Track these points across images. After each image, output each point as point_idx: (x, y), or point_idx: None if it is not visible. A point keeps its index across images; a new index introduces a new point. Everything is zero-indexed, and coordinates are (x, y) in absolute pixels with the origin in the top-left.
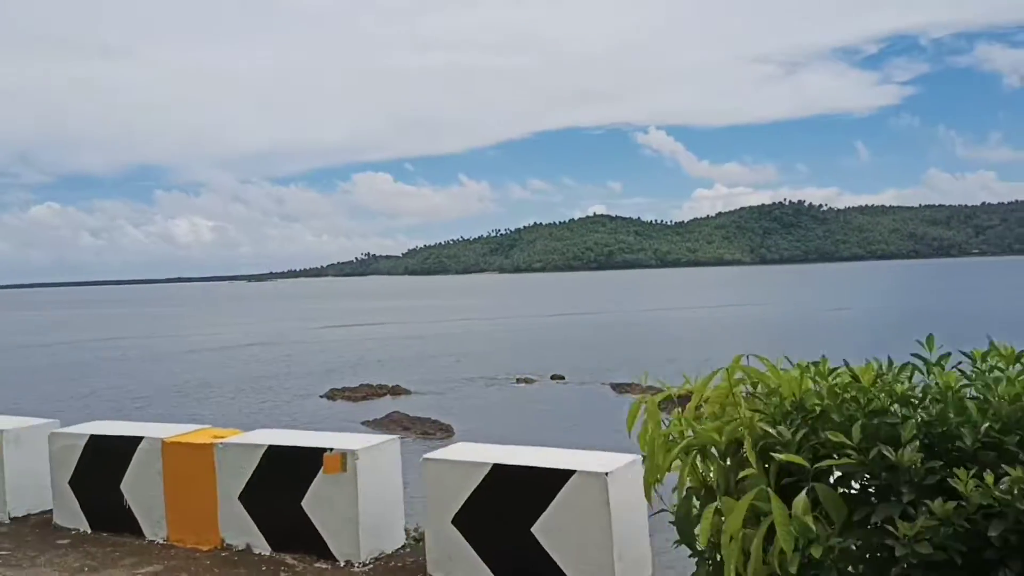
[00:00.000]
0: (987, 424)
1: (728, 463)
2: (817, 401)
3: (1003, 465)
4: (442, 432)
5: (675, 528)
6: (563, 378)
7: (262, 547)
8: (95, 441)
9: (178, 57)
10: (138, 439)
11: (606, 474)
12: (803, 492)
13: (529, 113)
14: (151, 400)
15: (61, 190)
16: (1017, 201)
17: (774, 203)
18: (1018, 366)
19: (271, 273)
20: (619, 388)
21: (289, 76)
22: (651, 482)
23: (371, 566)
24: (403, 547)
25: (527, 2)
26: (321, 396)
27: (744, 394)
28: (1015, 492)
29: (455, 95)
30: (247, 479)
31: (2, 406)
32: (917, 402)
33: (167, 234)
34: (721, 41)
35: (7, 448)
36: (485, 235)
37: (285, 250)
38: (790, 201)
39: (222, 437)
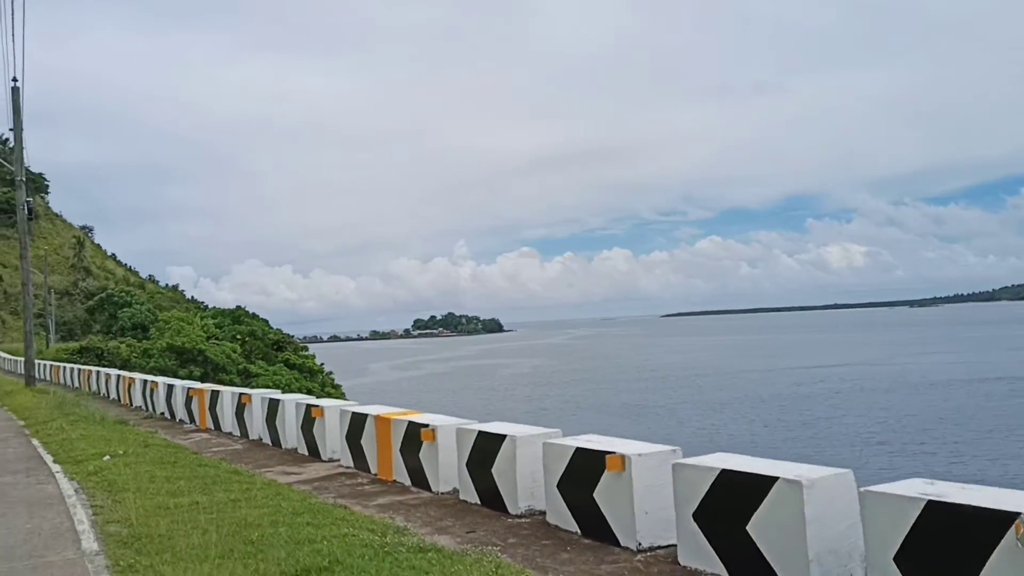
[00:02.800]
0: None
1: None
2: None
3: None
4: None
5: None
6: None
7: None
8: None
9: (827, 86)
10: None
11: None
12: None
13: None
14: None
15: (721, 224)
16: None
17: None
18: None
19: (935, 298)
20: None
21: (943, 90)
22: None
23: None
24: None
25: None
26: None
27: None
28: None
29: None
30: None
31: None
32: None
33: (820, 261)
34: None
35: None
36: None
37: (944, 273)
38: None
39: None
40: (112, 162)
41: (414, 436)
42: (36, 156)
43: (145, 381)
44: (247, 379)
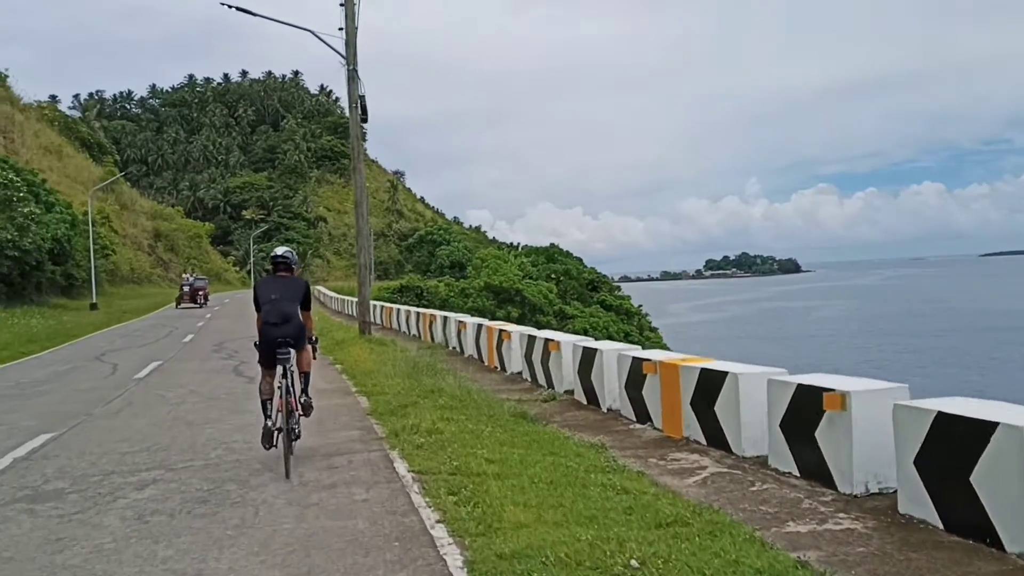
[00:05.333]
0: None
1: None
2: None
3: None
4: None
5: None
6: None
7: None
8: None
9: None
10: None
11: None
12: None
13: None
14: None
15: None
16: None
17: None
18: None
19: None
20: None
21: None
22: None
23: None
24: None
25: None
26: None
27: None
28: None
29: None
30: None
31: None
32: None
33: None
34: None
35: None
36: None
37: None
38: None
39: None
40: (416, 112)
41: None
42: None
43: (532, 338)
44: (563, 321)
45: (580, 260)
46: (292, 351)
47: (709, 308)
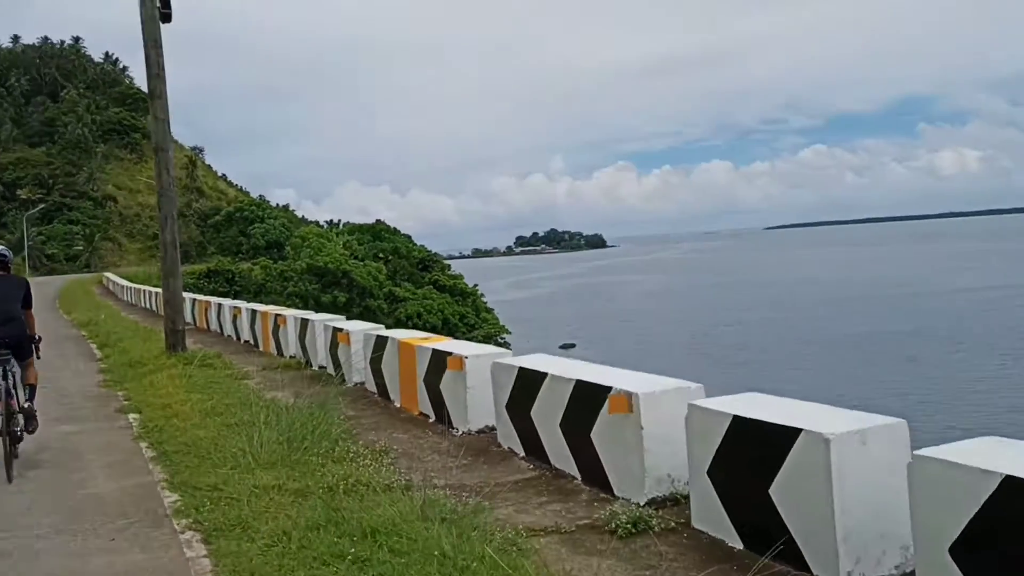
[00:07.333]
0: None
1: None
2: None
3: None
4: None
5: None
6: None
7: None
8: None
9: None
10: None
11: None
12: None
13: None
14: None
15: (826, 132)
16: None
17: None
18: None
19: None
20: None
21: None
22: None
23: None
24: None
25: None
26: None
27: None
28: None
29: None
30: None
31: None
32: None
33: (932, 168)
34: None
35: None
36: None
37: None
38: None
39: None
40: (216, 87)
41: None
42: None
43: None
44: (394, 304)
45: (409, 238)
46: (11, 352)
47: (526, 285)
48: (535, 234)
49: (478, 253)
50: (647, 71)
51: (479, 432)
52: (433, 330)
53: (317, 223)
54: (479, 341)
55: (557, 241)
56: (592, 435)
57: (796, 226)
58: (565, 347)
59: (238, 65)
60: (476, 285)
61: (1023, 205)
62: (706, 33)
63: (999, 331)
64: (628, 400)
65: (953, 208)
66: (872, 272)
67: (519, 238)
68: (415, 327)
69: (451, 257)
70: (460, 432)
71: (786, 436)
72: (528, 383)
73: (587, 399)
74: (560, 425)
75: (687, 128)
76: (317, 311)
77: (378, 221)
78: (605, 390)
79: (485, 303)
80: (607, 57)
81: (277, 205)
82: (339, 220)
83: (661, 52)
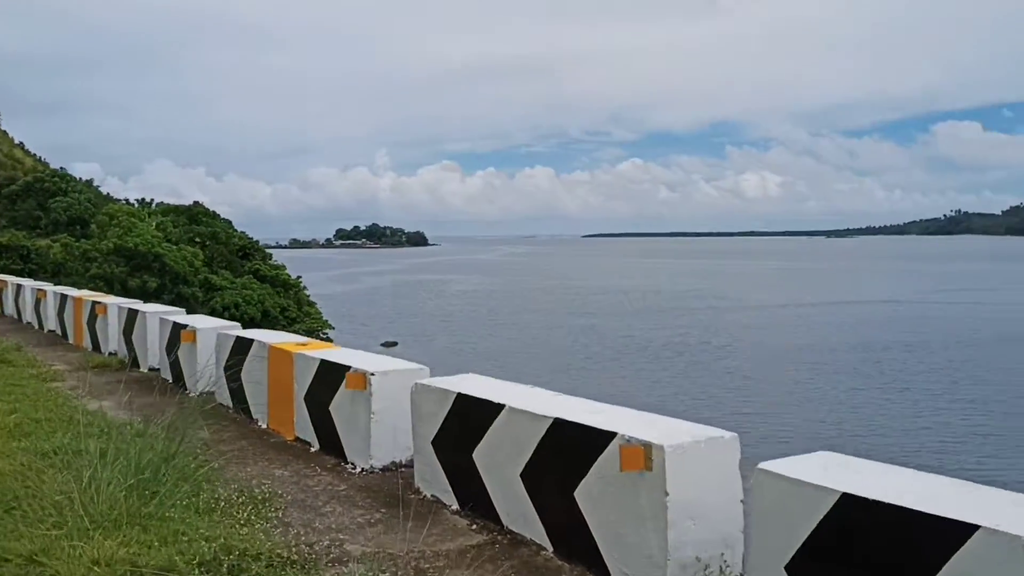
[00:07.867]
0: None
1: None
2: None
3: None
4: None
5: None
6: None
7: None
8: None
9: (770, 10)
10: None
11: None
12: None
13: None
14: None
15: (644, 147)
16: None
17: None
18: None
19: (848, 230)
20: None
21: (867, 21)
22: None
23: None
24: None
25: None
26: None
27: None
28: None
29: None
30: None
31: None
32: None
33: (737, 189)
34: None
35: None
36: None
37: (854, 206)
38: None
39: None
40: (16, 50)
41: None
42: None
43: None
44: (209, 292)
45: (229, 223)
46: None
47: (346, 279)
48: (356, 227)
49: (296, 244)
50: (476, 73)
51: (384, 470)
52: (252, 322)
53: (127, 201)
54: (302, 335)
55: (378, 236)
56: (577, 494)
57: (612, 235)
58: (387, 344)
59: (46, 27)
60: (300, 277)
61: (814, 229)
62: (537, 43)
63: (796, 345)
64: (645, 453)
65: (755, 228)
66: (682, 284)
67: (339, 231)
68: (232, 318)
69: (268, 246)
70: (359, 469)
71: (601, 438)
72: (471, 415)
73: (574, 447)
74: (522, 475)
75: (515, 132)
76: (124, 296)
77: (196, 203)
78: (607, 436)
79: (308, 296)
80: (436, 56)
81: (80, 180)
82: (151, 200)
83: (494, 56)
